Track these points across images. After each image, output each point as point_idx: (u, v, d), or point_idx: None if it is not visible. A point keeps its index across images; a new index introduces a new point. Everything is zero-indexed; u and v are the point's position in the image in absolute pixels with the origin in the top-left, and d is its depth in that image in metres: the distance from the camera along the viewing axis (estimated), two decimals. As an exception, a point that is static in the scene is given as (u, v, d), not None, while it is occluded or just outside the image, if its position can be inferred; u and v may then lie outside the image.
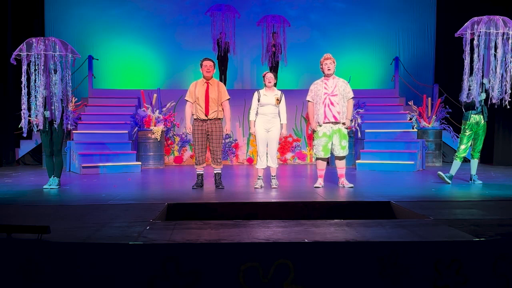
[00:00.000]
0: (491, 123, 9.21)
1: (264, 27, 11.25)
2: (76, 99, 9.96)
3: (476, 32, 5.94)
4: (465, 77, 6.10)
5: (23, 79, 5.71)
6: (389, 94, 11.24)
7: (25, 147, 10.25)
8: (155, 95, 9.85)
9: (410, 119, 10.08)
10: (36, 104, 5.70)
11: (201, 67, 6.00)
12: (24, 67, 5.71)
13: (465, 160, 7.56)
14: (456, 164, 6.56)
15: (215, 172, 6.13)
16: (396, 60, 11.40)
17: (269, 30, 11.22)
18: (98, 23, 11.71)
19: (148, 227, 3.53)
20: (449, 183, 6.41)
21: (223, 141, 6.17)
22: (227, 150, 10.36)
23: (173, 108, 10.13)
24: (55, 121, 5.86)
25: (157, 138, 9.42)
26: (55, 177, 6.11)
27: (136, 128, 9.57)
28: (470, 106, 6.39)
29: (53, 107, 5.80)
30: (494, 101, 6.04)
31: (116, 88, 11.32)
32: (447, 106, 10.00)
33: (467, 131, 6.51)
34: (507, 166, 9.49)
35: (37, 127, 5.93)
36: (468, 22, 6.11)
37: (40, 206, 4.74)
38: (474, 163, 6.65)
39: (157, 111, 9.69)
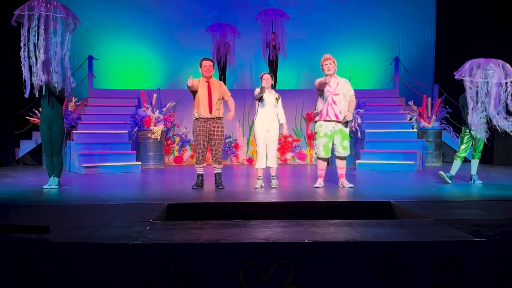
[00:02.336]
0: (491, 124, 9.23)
1: (263, 21, 11.21)
2: (76, 99, 9.98)
3: (474, 79, 6.14)
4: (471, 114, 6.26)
5: (24, 39, 5.59)
6: (389, 94, 11.25)
7: (25, 147, 10.25)
8: (155, 95, 9.85)
9: (410, 119, 10.08)
10: (34, 66, 5.59)
11: (201, 67, 6.03)
12: (26, 28, 5.61)
13: (466, 160, 7.57)
14: (457, 164, 6.56)
15: (216, 172, 6.14)
16: (396, 60, 11.40)
17: (268, 23, 11.16)
18: (98, 23, 11.71)
19: (148, 227, 3.53)
20: (449, 183, 6.41)
21: (223, 141, 6.17)
22: (227, 150, 10.36)
23: (173, 108, 10.14)
24: (54, 86, 5.74)
25: (157, 138, 9.43)
26: (55, 177, 6.11)
27: (136, 128, 9.58)
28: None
29: (51, 71, 5.70)
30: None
31: (116, 88, 11.33)
32: (447, 106, 10.00)
33: (467, 130, 6.51)
34: (507, 166, 9.50)
35: (38, 91, 5.81)
36: (467, 65, 6.27)
37: (40, 206, 4.74)
38: (475, 163, 6.65)
39: (157, 111, 9.69)
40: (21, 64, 5.61)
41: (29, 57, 5.61)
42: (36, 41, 5.60)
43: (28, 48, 5.61)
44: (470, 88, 6.13)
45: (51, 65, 5.70)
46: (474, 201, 5.04)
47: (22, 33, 5.63)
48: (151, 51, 12.12)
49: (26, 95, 5.71)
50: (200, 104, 5.94)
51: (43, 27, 5.60)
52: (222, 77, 11.26)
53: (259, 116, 6.08)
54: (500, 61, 6.14)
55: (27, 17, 5.61)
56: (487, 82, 6.07)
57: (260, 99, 6.05)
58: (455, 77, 6.32)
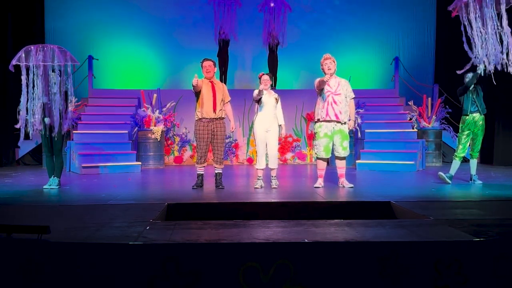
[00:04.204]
0: (491, 123, 9.21)
1: (265, 12, 11.20)
2: (76, 99, 9.97)
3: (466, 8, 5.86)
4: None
5: (23, 87, 5.72)
6: (389, 94, 11.24)
7: (25, 147, 10.24)
8: (155, 95, 9.85)
9: (410, 119, 10.08)
10: (35, 111, 5.71)
11: (202, 67, 6.07)
12: (24, 77, 5.70)
13: (466, 160, 7.56)
14: (456, 164, 6.57)
15: (216, 171, 6.14)
16: (396, 60, 11.40)
17: (270, 14, 11.16)
18: (98, 23, 11.70)
19: (148, 227, 3.53)
20: (449, 183, 6.41)
21: (224, 141, 6.18)
22: (227, 150, 10.36)
23: (173, 108, 10.14)
24: (54, 129, 5.86)
25: (157, 138, 9.43)
26: (55, 177, 6.11)
27: (136, 128, 9.58)
28: (464, 90, 6.41)
29: (53, 115, 5.80)
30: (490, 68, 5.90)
31: (116, 88, 11.32)
32: (447, 106, 10.00)
33: (465, 130, 6.52)
34: (507, 166, 9.49)
35: (39, 133, 5.96)
36: None
37: (40, 206, 4.74)
38: (474, 163, 6.65)
39: (157, 111, 9.69)
40: (19, 110, 5.76)
41: (27, 102, 5.73)
42: (34, 86, 5.70)
43: (27, 93, 5.72)
44: (468, 14, 5.86)
45: (51, 109, 5.79)
46: (474, 201, 5.04)
47: (22, 80, 5.72)
48: (151, 51, 12.11)
49: (20, 143, 5.94)
50: (204, 104, 5.95)
51: (41, 75, 5.70)
52: (223, 76, 11.22)
53: (259, 117, 6.09)
54: None
55: (24, 67, 5.72)
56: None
57: (259, 101, 6.06)
58: (449, 7, 6.10)
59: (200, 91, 5.96)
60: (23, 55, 5.71)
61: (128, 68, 11.94)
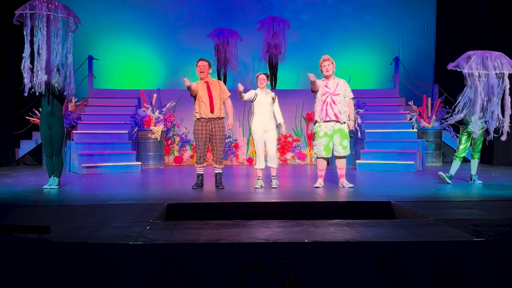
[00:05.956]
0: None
1: (264, 29, 11.27)
2: (76, 99, 9.97)
3: (469, 70, 6.13)
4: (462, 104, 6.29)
5: (26, 39, 5.61)
6: (389, 94, 11.25)
7: (25, 147, 10.25)
8: (155, 95, 9.85)
9: (410, 119, 10.09)
10: (36, 65, 5.60)
11: (196, 67, 6.08)
12: (28, 29, 5.62)
13: (466, 160, 7.56)
14: (456, 164, 6.57)
15: (216, 172, 6.14)
16: (396, 60, 11.40)
17: (269, 32, 11.23)
18: (98, 23, 11.70)
19: (148, 227, 3.53)
20: (449, 183, 6.41)
21: (224, 141, 6.18)
22: (227, 150, 10.36)
23: (173, 108, 10.14)
24: (56, 86, 5.78)
25: (157, 138, 9.43)
26: (55, 177, 6.10)
27: (136, 128, 9.58)
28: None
29: (51, 70, 5.72)
30: (490, 136, 6.23)
31: (116, 88, 11.32)
32: (447, 106, 9.99)
33: (466, 131, 6.52)
34: (507, 166, 9.49)
35: (39, 89, 5.84)
36: (463, 56, 6.31)
37: (40, 206, 4.74)
38: (474, 163, 6.65)
39: (157, 111, 9.69)
40: (22, 63, 5.61)
41: (30, 57, 5.61)
42: (37, 41, 5.61)
43: (32, 48, 5.62)
44: (469, 78, 6.11)
45: (52, 65, 5.71)
46: (474, 201, 5.04)
47: (24, 33, 5.63)
48: (151, 51, 12.12)
49: (26, 93, 5.70)
50: (201, 105, 5.94)
51: (44, 26, 5.62)
52: (223, 76, 11.26)
53: (256, 117, 6.09)
54: (498, 53, 6.13)
55: (29, 17, 5.63)
56: (486, 74, 6.04)
57: (253, 100, 6.05)
58: (448, 67, 6.35)
59: (196, 94, 5.97)
60: (28, 6, 5.66)
61: (128, 68, 11.94)
